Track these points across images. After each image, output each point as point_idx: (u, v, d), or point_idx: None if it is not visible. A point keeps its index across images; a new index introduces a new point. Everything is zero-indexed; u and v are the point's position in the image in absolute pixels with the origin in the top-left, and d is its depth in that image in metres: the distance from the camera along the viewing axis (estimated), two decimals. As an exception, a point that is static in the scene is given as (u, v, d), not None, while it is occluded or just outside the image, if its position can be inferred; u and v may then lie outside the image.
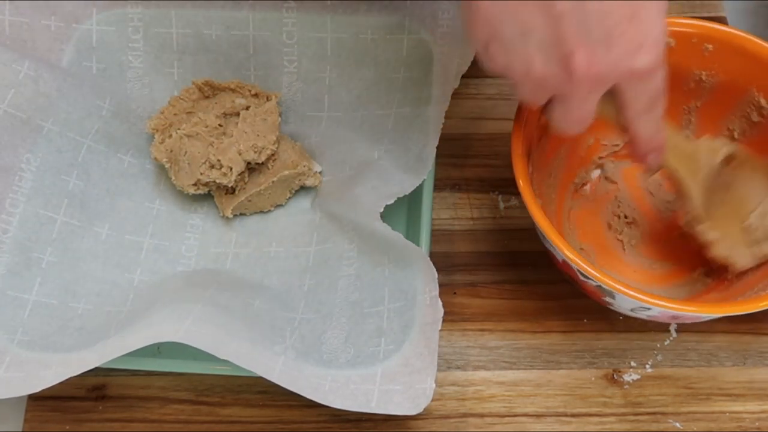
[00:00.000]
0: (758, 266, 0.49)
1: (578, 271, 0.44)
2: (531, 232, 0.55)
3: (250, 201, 0.53)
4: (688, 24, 0.49)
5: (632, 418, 0.49)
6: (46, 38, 0.52)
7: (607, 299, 0.46)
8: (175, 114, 0.54)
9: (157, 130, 0.53)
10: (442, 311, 0.43)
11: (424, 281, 0.44)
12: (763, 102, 0.49)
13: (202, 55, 0.55)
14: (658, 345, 0.51)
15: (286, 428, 0.49)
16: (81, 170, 0.52)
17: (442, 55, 0.53)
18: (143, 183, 0.54)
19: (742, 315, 0.51)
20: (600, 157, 0.55)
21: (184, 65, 0.56)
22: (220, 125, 0.53)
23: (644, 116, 0.40)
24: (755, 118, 0.50)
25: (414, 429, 0.49)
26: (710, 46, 0.49)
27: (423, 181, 0.49)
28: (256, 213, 0.54)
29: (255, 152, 0.51)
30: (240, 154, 0.51)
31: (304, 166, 0.53)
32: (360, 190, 0.50)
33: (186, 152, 0.52)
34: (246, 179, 0.53)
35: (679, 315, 0.45)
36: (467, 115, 0.59)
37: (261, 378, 0.41)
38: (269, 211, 0.54)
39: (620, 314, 0.50)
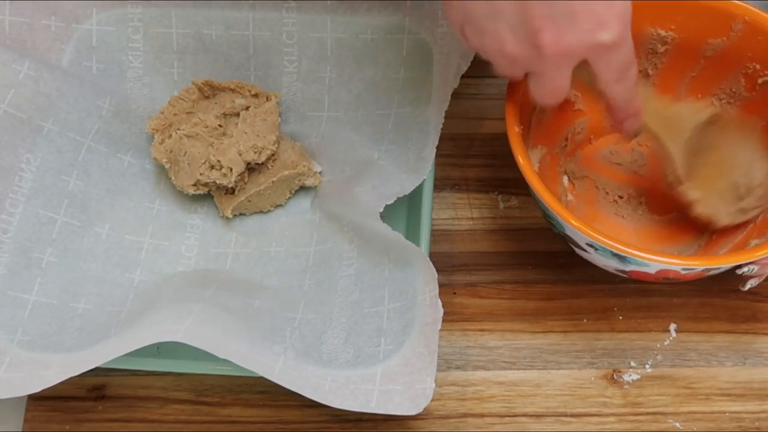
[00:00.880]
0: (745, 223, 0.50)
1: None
2: (531, 231, 0.55)
3: (250, 201, 0.53)
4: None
5: (632, 418, 0.49)
6: (46, 38, 0.52)
7: (585, 246, 0.47)
8: (175, 114, 0.54)
9: (157, 130, 0.53)
10: (442, 311, 0.43)
11: (424, 281, 0.44)
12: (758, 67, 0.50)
13: (202, 55, 0.55)
14: (658, 345, 0.51)
15: (286, 428, 0.49)
16: (81, 170, 0.52)
17: (442, 55, 0.53)
18: (143, 183, 0.54)
19: (741, 314, 0.52)
20: (559, 165, 0.55)
21: (184, 65, 0.56)
22: (220, 125, 0.53)
23: (616, 85, 0.42)
24: (743, 89, 0.51)
25: (414, 429, 0.49)
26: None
27: (423, 181, 0.49)
28: (256, 213, 0.54)
29: (255, 153, 0.51)
30: (240, 155, 0.51)
31: (304, 166, 0.53)
32: (360, 190, 0.50)
33: (186, 152, 0.52)
34: (246, 179, 0.53)
35: (661, 268, 0.45)
36: (467, 115, 0.59)
37: (261, 378, 0.41)
38: (269, 211, 0.54)
39: (608, 281, 0.51)
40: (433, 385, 0.42)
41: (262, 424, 0.49)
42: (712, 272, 0.46)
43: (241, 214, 0.54)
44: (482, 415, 0.49)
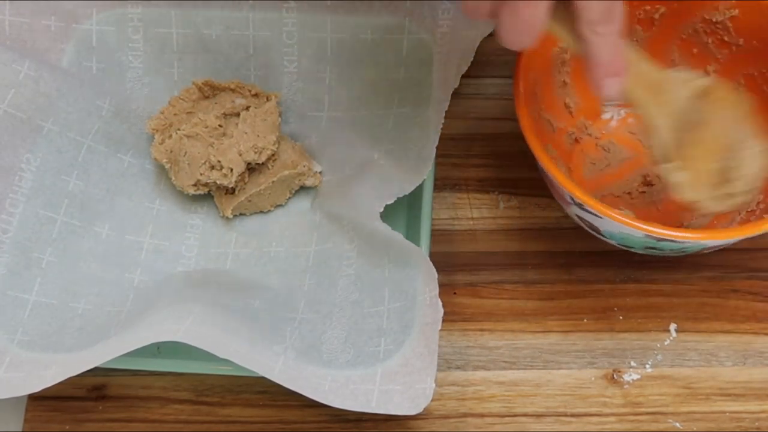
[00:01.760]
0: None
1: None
2: (531, 231, 0.55)
3: (250, 201, 0.53)
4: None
5: (632, 418, 0.49)
6: (46, 38, 0.52)
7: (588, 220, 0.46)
8: (175, 114, 0.54)
9: (157, 131, 0.53)
10: (442, 311, 0.43)
11: (424, 281, 0.44)
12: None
13: (202, 55, 0.55)
14: (658, 345, 0.51)
15: (286, 428, 0.49)
16: (81, 170, 0.52)
17: (442, 55, 0.53)
18: (143, 183, 0.54)
19: (741, 314, 0.52)
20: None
21: (184, 65, 0.56)
22: (220, 126, 0.53)
23: (600, 28, 0.36)
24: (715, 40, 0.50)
25: (414, 429, 0.49)
26: None
27: (423, 181, 0.49)
28: (256, 213, 0.54)
29: (255, 153, 0.51)
30: (240, 155, 0.51)
31: (304, 166, 0.53)
32: (360, 190, 0.50)
33: (186, 153, 0.52)
34: (246, 179, 0.53)
35: (661, 238, 0.45)
36: (467, 115, 0.59)
37: (261, 378, 0.41)
38: (269, 211, 0.54)
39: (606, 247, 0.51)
40: (433, 385, 0.42)
41: (262, 424, 0.49)
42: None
43: (241, 214, 0.54)
44: (482, 415, 0.49)
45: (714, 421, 0.49)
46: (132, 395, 0.50)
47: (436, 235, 0.54)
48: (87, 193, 0.52)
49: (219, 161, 0.51)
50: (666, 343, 0.51)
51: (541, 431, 0.49)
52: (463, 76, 0.51)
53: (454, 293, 0.53)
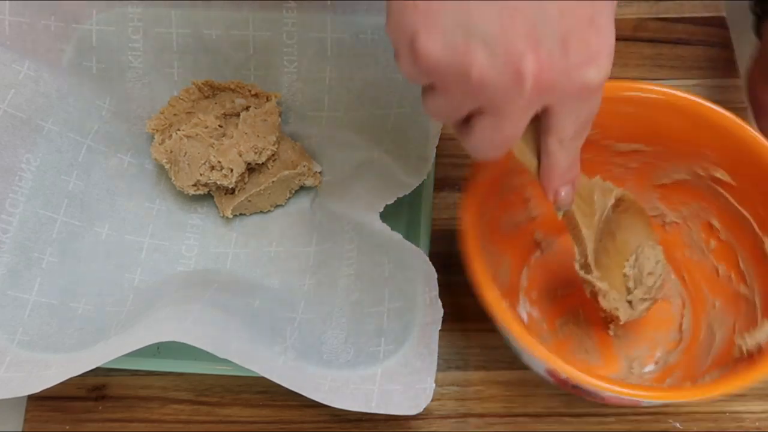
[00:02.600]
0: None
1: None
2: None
3: (250, 201, 0.53)
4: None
5: (632, 418, 0.49)
6: (46, 38, 0.52)
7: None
8: (175, 114, 0.54)
9: (157, 131, 0.53)
10: (441, 311, 0.43)
11: (424, 281, 0.44)
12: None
13: (202, 55, 0.55)
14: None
15: (286, 428, 0.49)
16: (81, 170, 0.52)
17: (442, 55, 0.53)
18: (143, 183, 0.54)
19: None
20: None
21: (184, 65, 0.56)
22: (220, 126, 0.53)
23: (568, 143, 0.36)
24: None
25: (414, 429, 0.49)
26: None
27: (423, 181, 0.49)
28: (256, 213, 0.54)
29: (255, 153, 0.51)
30: (240, 156, 0.51)
31: (304, 166, 0.53)
32: (360, 191, 0.50)
33: (186, 153, 0.52)
34: (246, 179, 0.53)
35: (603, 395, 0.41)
36: (467, 115, 0.59)
37: (261, 378, 0.41)
38: (269, 211, 0.54)
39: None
40: (433, 385, 0.42)
41: (262, 424, 0.50)
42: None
43: (241, 214, 0.54)
44: (482, 415, 0.49)
45: (714, 421, 0.49)
46: (132, 395, 0.50)
47: (436, 235, 0.54)
48: (87, 193, 0.52)
49: (219, 161, 0.51)
50: (666, 343, 0.51)
51: (541, 431, 0.49)
52: (463, 76, 0.51)
53: (455, 293, 0.53)
